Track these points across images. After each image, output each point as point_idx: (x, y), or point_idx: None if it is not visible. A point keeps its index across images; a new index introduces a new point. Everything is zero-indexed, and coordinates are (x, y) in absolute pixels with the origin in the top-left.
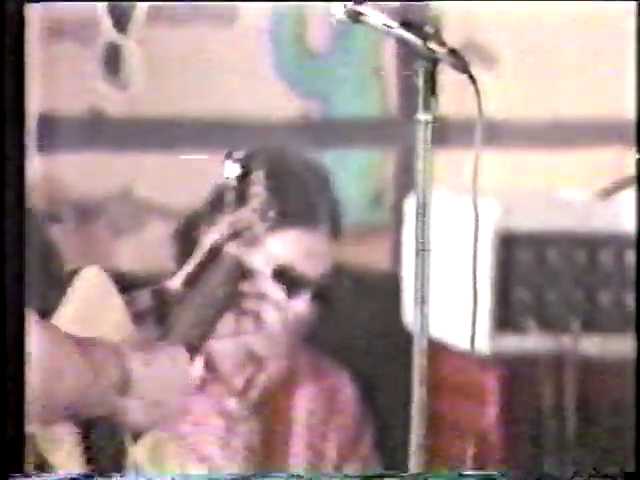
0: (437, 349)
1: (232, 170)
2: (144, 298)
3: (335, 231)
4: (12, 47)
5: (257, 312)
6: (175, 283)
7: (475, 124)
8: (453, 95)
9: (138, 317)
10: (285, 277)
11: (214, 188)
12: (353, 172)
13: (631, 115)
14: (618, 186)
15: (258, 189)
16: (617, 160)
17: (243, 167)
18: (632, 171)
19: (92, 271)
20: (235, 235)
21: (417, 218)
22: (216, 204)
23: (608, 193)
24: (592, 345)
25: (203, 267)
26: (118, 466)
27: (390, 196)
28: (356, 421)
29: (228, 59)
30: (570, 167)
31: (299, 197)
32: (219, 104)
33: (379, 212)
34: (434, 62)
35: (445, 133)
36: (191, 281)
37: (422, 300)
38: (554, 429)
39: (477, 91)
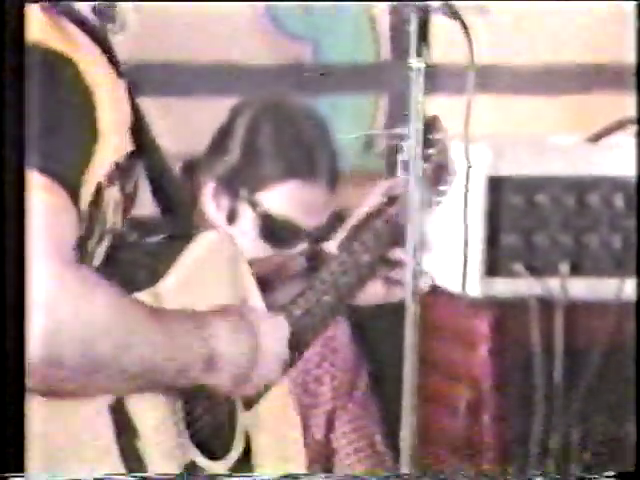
0: (430, 293)
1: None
2: (299, 260)
3: (333, 181)
4: (12, 47)
5: (399, 280)
6: (331, 246)
7: (467, 71)
8: (445, 42)
9: (280, 280)
10: (284, 230)
11: (213, 135)
12: (346, 118)
13: (622, 60)
14: (608, 130)
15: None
16: (607, 105)
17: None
18: (622, 115)
19: (213, 235)
20: (391, 202)
21: (410, 164)
22: (214, 150)
23: (598, 137)
24: (580, 288)
25: (358, 232)
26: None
27: (383, 142)
28: (351, 365)
29: (223, 6)
30: (561, 112)
31: (302, 151)
32: (214, 49)
33: (372, 157)
34: (426, 9)
35: (437, 79)
36: (345, 245)
37: (416, 241)
38: (544, 369)
39: (469, 38)
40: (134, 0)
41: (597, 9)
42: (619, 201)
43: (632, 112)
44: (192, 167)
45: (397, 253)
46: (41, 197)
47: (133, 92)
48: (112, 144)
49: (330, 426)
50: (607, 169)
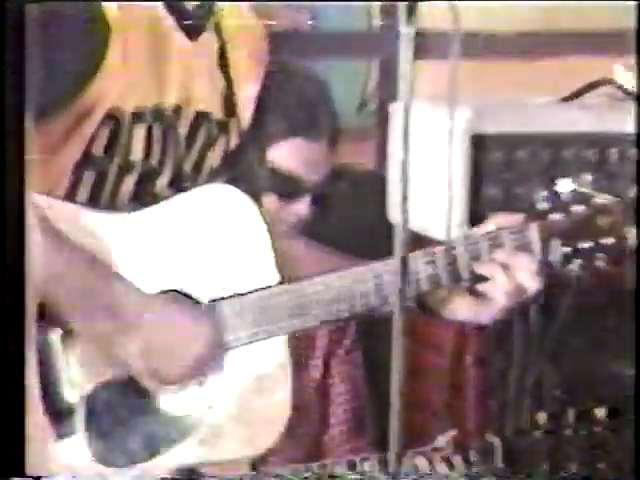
0: (417, 242)
1: None
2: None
3: (333, 140)
4: (12, 47)
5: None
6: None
7: (451, 37)
8: (433, 10)
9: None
10: (289, 183)
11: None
12: (342, 81)
13: (596, 25)
14: (581, 91)
15: None
16: (581, 68)
17: None
18: (594, 77)
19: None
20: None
21: (400, 122)
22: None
23: (572, 98)
24: (571, 242)
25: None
26: None
27: (374, 103)
28: (348, 329)
29: None
30: (538, 75)
31: (305, 112)
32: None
33: (365, 117)
34: None
35: (424, 45)
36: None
37: (405, 191)
38: (521, 313)
39: (453, 7)
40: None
41: None
42: (591, 155)
43: (603, 74)
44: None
45: (484, 267)
46: None
47: (232, 62)
48: (133, 84)
49: (327, 367)
50: (580, 126)
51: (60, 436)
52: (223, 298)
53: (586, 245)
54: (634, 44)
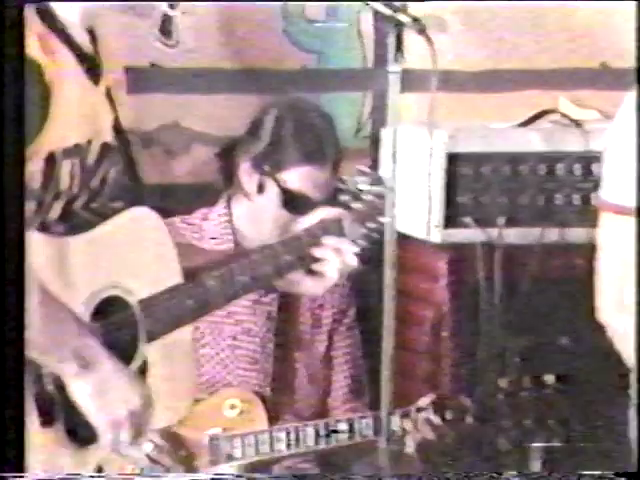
0: (402, 240)
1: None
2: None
3: (336, 165)
4: (12, 47)
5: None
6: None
7: (431, 74)
8: (415, 52)
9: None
10: (300, 200)
11: (249, 123)
12: (341, 110)
13: (548, 65)
14: (533, 118)
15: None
16: (533, 100)
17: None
18: (543, 107)
19: (143, 212)
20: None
21: (389, 144)
22: (249, 138)
23: (526, 123)
24: (513, 235)
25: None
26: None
27: (367, 129)
28: (344, 298)
29: (250, 25)
30: (500, 105)
31: (315, 143)
32: (244, 58)
33: (359, 141)
34: (401, 27)
35: (409, 81)
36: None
37: (392, 200)
38: (487, 296)
39: (432, 49)
40: (132, 0)
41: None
42: (542, 170)
43: (550, 105)
44: (230, 149)
45: (319, 251)
46: None
47: (114, 97)
48: (65, 128)
49: (330, 342)
50: (533, 147)
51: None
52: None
53: (373, 225)
54: (634, 44)
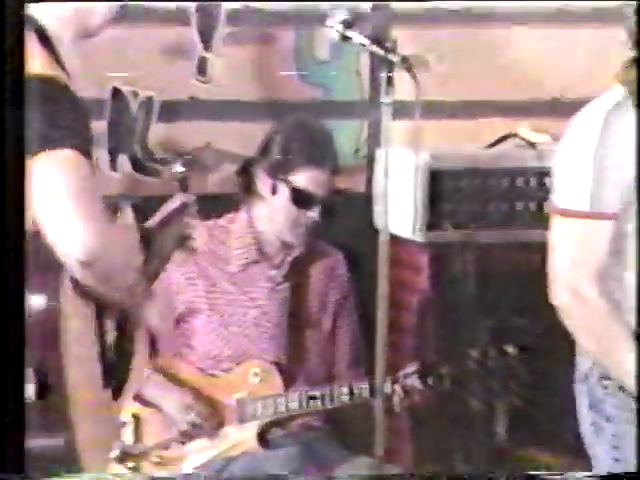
0: (393, 240)
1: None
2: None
3: (335, 170)
4: (12, 47)
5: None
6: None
7: (416, 105)
8: (404, 83)
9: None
10: (306, 198)
11: (260, 143)
12: (342, 136)
13: (511, 97)
14: (497, 141)
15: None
16: (499, 126)
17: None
18: (506, 132)
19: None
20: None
21: (382, 162)
22: (263, 151)
23: (492, 145)
24: (484, 237)
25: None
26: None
27: (363, 149)
28: (346, 285)
29: (269, 65)
30: (472, 131)
31: (317, 150)
32: (265, 91)
33: (356, 160)
34: (391, 65)
35: (398, 110)
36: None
37: (384, 207)
38: (461, 285)
39: (417, 84)
40: (136, 0)
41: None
42: (505, 183)
43: (511, 130)
44: (249, 163)
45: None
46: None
47: None
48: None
49: (334, 321)
50: (499, 164)
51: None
52: None
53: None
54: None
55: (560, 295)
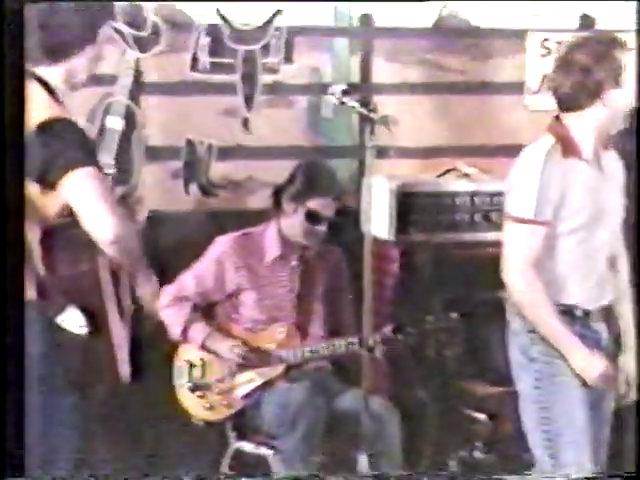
0: (374, 240)
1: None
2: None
3: (337, 197)
4: (12, 47)
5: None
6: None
7: (390, 148)
8: (382, 133)
9: None
10: (317, 217)
11: (287, 176)
12: (340, 170)
13: (454, 143)
14: (444, 173)
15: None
16: (446, 163)
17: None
18: (453, 165)
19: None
20: None
21: (367, 187)
22: (288, 183)
23: (441, 175)
24: (437, 238)
25: None
26: None
27: (355, 179)
28: (342, 272)
29: (290, 120)
30: (427, 166)
31: (323, 184)
32: (287, 139)
33: (350, 186)
34: (373, 122)
35: (380, 152)
36: None
37: (369, 217)
38: (422, 270)
39: (391, 133)
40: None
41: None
42: (450, 201)
43: (452, 165)
44: (278, 190)
45: None
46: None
47: None
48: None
49: (334, 293)
50: (444, 188)
51: None
52: None
53: None
54: (634, 45)
55: (510, 276)
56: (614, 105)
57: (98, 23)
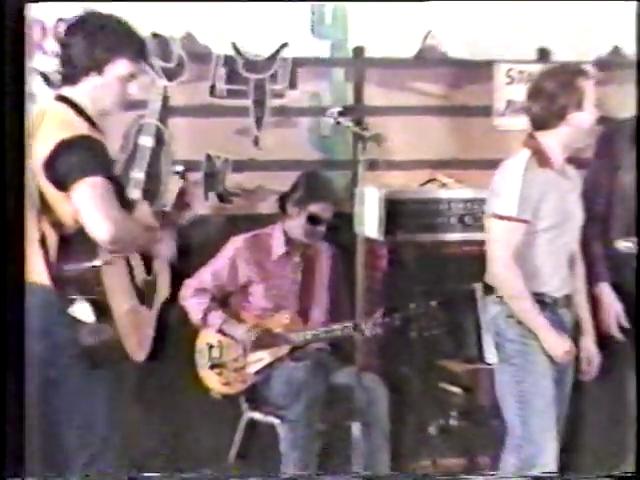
0: (366, 240)
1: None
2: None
3: (334, 202)
4: (12, 46)
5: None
6: None
7: (380, 162)
8: (372, 149)
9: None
10: (317, 219)
11: (290, 185)
12: (337, 180)
13: (433, 157)
14: (426, 182)
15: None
16: (427, 174)
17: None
18: (430, 177)
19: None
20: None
21: (360, 195)
22: (293, 191)
23: (423, 185)
24: (420, 238)
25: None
26: None
27: (349, 188)
28: (335, 263)
29: (292, 138)
30: (411, 177)
31: (322, 192)
32: (292, 154)
33: (345, 194)
34: (365, 139)
35: (371, 165)
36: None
37: (361, 220)
38: (407, 264)
39: (381, 148)
40: (137, 0)
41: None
42: (432, 207)
43: (432, 176)
44: (283, 197)
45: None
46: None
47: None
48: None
49: (331, 283)
50: (427, 195)
51: None
52: None
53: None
54: (635, 44)
55: (496, 266)
56: (577, 125)
57: (108, 56)
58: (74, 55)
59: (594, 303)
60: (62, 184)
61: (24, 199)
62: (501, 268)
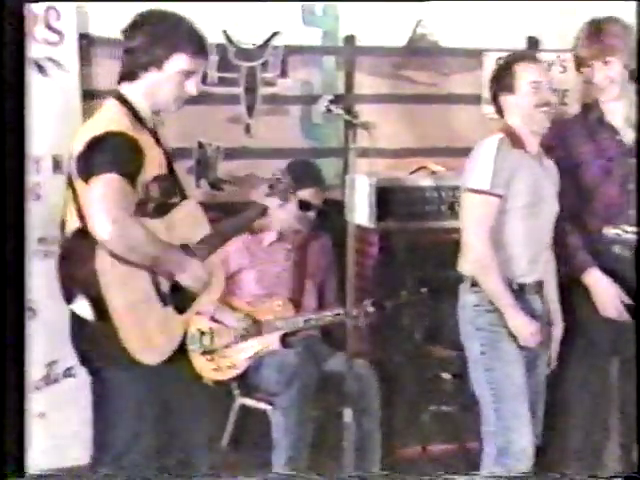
0: (357, 227)
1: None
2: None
3: (323, 190)
4: (12, 46)
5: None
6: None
7: (369, 150)
8: (363, 137)
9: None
10: (307, 205)
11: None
12: (328, 168)
13: (424, 145)
14: (416, 170)
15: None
16: (418, 162)
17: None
18: (420, 165)
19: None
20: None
21: (350, 182)
22: (282, 178)
23: (412, 173)
24: (410, 225)
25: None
26: None
27: (340, 175)
28: (330, 255)
29: (284, 126)
30: (402, 165)
31: (311, 178)
32: (283, 142)
33: (336, 181)
34: (355, 126)
35: (361, 152)
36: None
37: (352, 208)
38: (397, 252)
39: (371, 137)
40: (134, 0)
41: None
42: (421, 194)
43: (423, 164)
44: (272, 185)
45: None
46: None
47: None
48: (151, 170)
49: (323, 273)
50: (417, 183)
51: None
52: None
53: None
54: (634, 44)
55: (469, 239)
56: (512, 109)
57: (168, 52)
58: (135, 52)
59: (588, 291)
60: (85, 179)
61: (24, 196)
62: (473, 240)
